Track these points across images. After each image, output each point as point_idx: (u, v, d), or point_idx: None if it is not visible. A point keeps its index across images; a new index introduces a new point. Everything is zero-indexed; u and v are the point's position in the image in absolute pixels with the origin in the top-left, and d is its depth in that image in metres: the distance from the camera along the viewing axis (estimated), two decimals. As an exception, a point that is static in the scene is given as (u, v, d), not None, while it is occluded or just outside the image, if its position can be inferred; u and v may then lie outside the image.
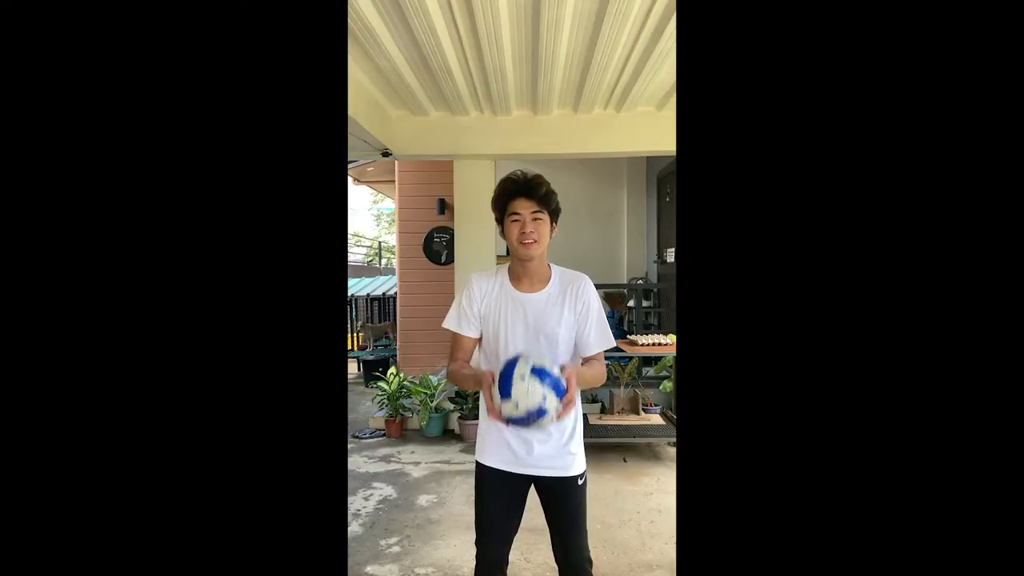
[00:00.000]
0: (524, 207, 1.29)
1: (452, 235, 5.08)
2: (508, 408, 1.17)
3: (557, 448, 1.36)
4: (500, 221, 1.35)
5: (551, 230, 1.33)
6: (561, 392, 1.17)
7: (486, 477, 1.41)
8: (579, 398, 1.40)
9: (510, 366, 1.19)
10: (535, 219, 1.29)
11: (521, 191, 1.29)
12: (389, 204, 12.18)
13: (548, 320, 1.32)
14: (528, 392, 1.14)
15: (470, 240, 4.06)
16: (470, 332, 1.37)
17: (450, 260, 5.39)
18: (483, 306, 1.36)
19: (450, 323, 1.39)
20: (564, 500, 1.39)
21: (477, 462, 1.43)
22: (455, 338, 1.39)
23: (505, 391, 1.17)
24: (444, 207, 5.74)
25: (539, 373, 1.16)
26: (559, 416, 1.16)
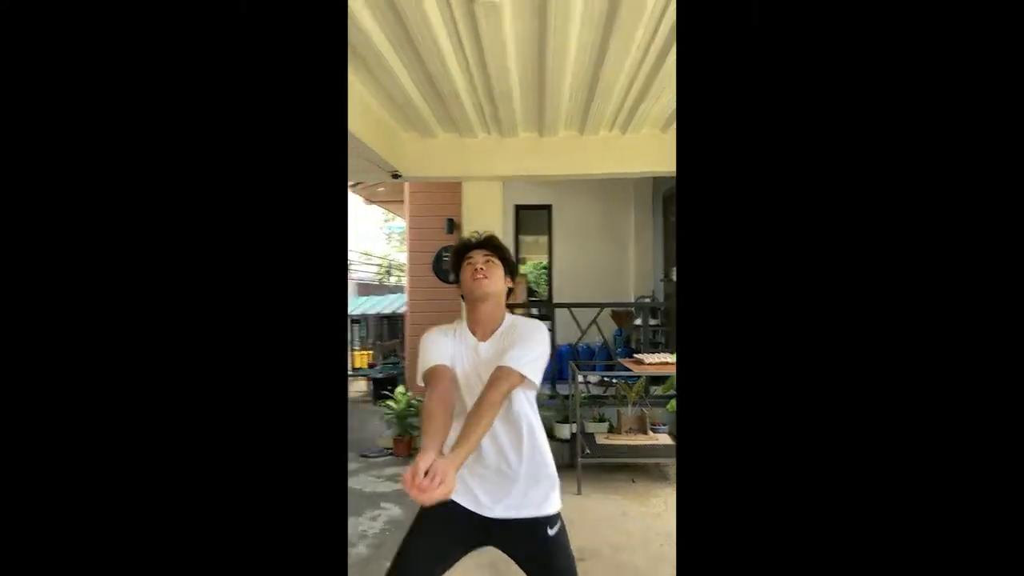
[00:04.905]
0: (477, 254, 1.36)
1: (460, 254, 5.12)
2: None
3: (523, 491, 1.30)
4: (457, 275, 1.39)
5: (506, 281, 1.37)
6: None
7: (427, 513, 1.25)
8: (543, 436, 1.34)
9: None
10: (487, 261, 1.35)
11: (475, 246, 1.39)
12: (400, 223, 12.30)
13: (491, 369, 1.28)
14: None
15: (478, 259, 4.09)
16: (443, 360, 1.28)
17: (458, 279, 5.43)
18: (447, 347, 1.32)
19: (423, 366, 1.28)
20: (538, 555, 1.27)
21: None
22: (429, 372, 1.27)
23: None
24: (453, 227, 5.80)
25: None
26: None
